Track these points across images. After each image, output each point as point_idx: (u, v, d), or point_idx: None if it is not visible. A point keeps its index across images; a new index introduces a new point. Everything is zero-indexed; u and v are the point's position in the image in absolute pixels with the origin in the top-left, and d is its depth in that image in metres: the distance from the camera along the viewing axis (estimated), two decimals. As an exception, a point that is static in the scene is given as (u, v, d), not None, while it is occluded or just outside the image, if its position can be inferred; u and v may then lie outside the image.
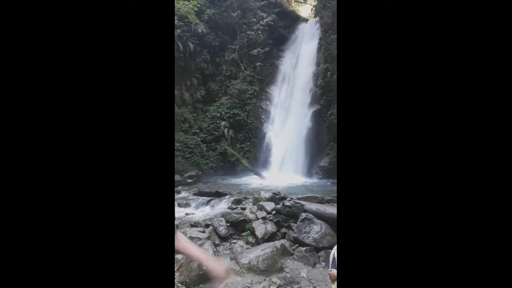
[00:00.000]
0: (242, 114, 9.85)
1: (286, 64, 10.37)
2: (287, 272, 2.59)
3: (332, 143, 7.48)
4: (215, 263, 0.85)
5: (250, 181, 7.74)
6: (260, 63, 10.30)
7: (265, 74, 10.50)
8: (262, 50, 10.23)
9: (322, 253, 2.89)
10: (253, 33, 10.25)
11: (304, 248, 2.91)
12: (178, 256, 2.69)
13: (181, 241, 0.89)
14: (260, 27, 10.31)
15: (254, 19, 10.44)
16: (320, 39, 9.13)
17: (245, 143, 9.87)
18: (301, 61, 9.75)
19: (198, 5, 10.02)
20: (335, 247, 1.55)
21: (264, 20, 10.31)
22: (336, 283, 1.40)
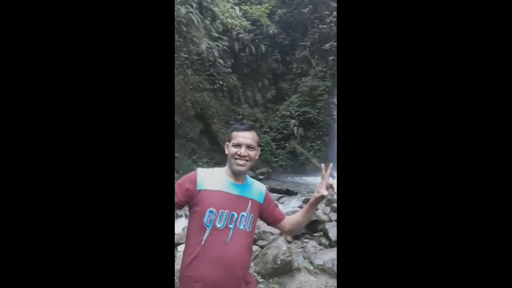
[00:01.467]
0: (313, 112, 9.58)
1: (362, 55, 9.46)
2: (366, 282, 2.39)
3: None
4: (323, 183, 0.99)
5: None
6: (333, 57, 9.75)
7: (338, 68, 9.87)
8: (335, 44, 9.66)
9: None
10: (326, 26, 9.80)
11: (387, 259, 2.61)
12: (253, 248, 2.87)
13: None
14: (333, 19, 9.75)
15: (327, 12, 9.96)
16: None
17: (316, 142, 9.57)
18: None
19: (270, 7, 10.30)
20: None
21: (338, 11, 9.69)
22: None
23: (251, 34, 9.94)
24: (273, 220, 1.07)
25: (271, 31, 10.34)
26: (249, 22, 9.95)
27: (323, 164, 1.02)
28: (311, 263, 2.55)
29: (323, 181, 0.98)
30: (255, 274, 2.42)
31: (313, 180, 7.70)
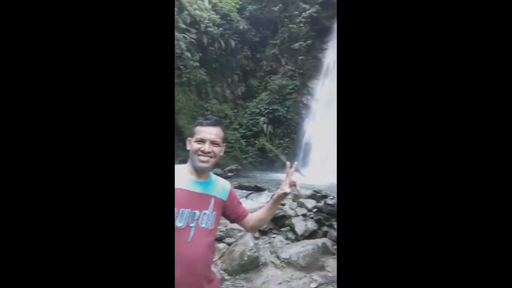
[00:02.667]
0: (282, 110, 9.77)
1: (329, 56, 9.90)
2: (329, 271, 2.50)
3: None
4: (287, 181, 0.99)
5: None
6: (302, 57, 10.04)
7: (307, 67, 10.20)
8: (304, 43, 9.94)
9: (367, 256, 2.71)
10: (295, 26, 10.03)
11: (348, 249, 2.76)
12: (220, 245, 2.81)
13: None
14: (302, 19, 10.02)
15: (296, 12, 10.19)
16: (368, 28, 8.46)
17: (284, 139, 9.79)
18: (346, 53, 9.17)
19: (240, 2, 10.17)
20: None
21: (307, 12, 9.98)
22: None
23: (221, 29, 9.73)
24: (236, 217, 1.05)
25: (241, 27, 10.25)
26: (218, 16, 9.71)
27: (288, 162, 1.03)
28: (278, 257, 2.59)
29: (287, 178, 0.99)
30: (221, 272, 2.37)
31: (282, 176, 7.85)
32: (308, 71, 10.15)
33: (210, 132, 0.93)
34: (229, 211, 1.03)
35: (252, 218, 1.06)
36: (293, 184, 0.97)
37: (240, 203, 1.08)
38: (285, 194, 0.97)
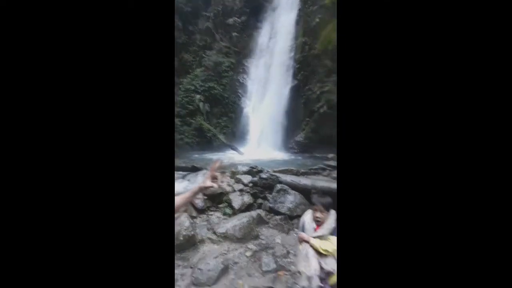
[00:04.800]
0: (218, 88, 9.50)
1: (264, 36, 9.96)
2: (263, 239, 2.72)
3: (308, 118, 7.62)
4: (204, 185, 1.02)
5: (228, 156, 7.74)
6: (236, 34, 9.77)
7: (242, 45, 10.02)
8: (239, 20, 9.66)
9: (295, 220, 3.05)
10: (229, 0, 9.56)
11: (279, 216, 3.04)
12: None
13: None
14: (236, -7, 9.61)
15: (230, -16, 9.68)
16: (299, 10, 8.80)
17: (222, 118, 9.67)
18: (279, 33, 9.41)
19: (167, -37, 8.95)
20: (305, 212, 1.64)
21: (241, -14, 9.60)
22: (303, 244, 1.49)
23: (145, -9, 8.44)
24: None
25: (170, -8, 9.13)
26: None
27: (214, 161, 1.12)
28: (215, 233, 2.64)
29: (208, 172, 1.05)
30: (155, 256, 2.28)
31: (221, 156, 7.85)
32: (243, 49, 10.03)
33: None
34: None
35: None
36: (214, 177, 1.03)
37: None
38: (205, 188, 1.02)
